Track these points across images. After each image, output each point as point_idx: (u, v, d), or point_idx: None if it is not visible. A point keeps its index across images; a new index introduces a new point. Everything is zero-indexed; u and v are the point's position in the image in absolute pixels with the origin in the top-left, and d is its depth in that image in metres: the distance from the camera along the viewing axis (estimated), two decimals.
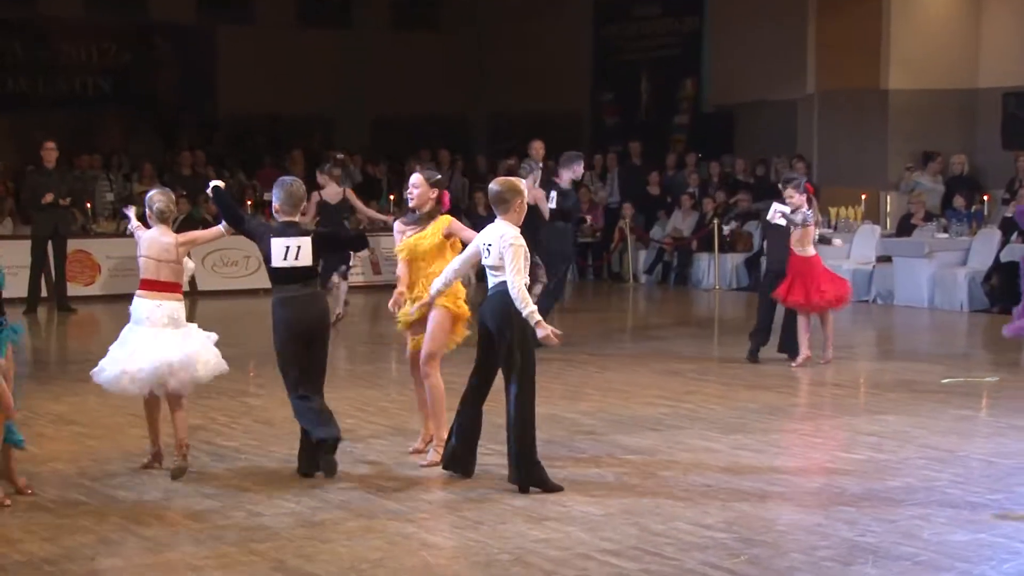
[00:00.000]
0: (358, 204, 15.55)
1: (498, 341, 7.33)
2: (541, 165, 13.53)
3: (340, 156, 21.80)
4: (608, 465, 7.92)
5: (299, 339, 7.52)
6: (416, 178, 7.93)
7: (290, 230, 7.58)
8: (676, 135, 22.98)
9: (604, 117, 24.27)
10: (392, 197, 21.02)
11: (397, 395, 10.53)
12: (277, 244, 7.53)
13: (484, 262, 7.42)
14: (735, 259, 19.45)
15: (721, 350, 13.15)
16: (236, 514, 6.83)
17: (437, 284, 7.72)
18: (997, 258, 16.33)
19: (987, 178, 18.83)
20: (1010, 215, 17.20)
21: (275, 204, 7.69)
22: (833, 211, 18.71)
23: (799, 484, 7.49)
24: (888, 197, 19.12)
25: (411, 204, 7.91)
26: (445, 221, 7.93)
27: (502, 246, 7.27)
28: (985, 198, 17.88)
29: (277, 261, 7.53)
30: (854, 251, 18.24)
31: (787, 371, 11.63)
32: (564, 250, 13.50)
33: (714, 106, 22.42)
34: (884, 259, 17.64)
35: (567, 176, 13.34)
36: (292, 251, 7.51)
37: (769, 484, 7.45)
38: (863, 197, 18.77)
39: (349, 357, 12.79)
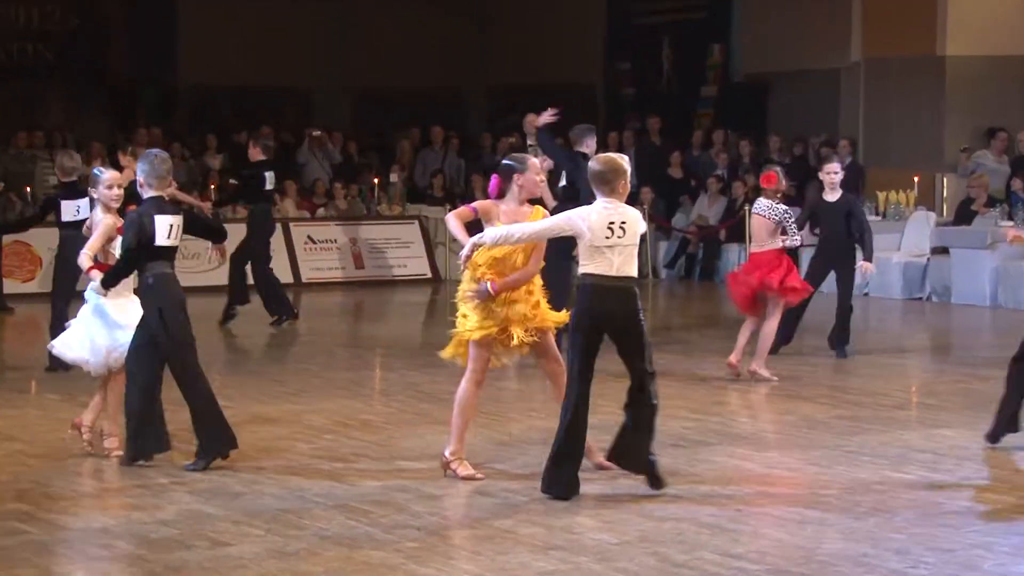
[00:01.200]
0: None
1: (621, 339, 7.62)
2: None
3: (317, 134, 21.89)
4: (624, 486, 7.90)
5: (187, 318, 8.29)
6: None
7: (167, 207, 8.30)
8: (702, 110, 22.96)
9: (620, 89, 24.26)
10: (377, 180, 21.02)
11: (382, 406, 10.52)
12: (162, 222, 8.18)
13: (604, 243, 7.54)
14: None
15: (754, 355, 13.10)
16: (198, 544, 6.82)
17: (498, 233, 7.75)
18: None
19: None
20: None
21: (140, 178, 8.30)
22: (881, 196, 18.69)
23: (843, 508, 7.47)
24: (945, 180, 19.10)
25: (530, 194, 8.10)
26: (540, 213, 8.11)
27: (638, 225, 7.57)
28: None
29: (162, 240, 8.19)
30: (905, 242, 18.22)
31: (829, 379, 11.61)
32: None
33: (746, 76, 22.39)
34: (940, 251, 17.63)
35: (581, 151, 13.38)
36: (175, 229, 8.26)
37: (808, 508, 7.43)
38: (916, 180, 18.75)
39: (327, 363, 12.79)
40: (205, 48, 24.06)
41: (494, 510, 7.39)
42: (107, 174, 8.73)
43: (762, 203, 11.50)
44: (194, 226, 8.68)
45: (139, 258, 8.23)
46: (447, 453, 8.13)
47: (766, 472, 8.28)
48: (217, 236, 9.01)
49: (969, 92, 19.11)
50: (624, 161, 7.71)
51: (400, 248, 20.16)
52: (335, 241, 19.84)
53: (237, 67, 23.89)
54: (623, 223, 7.61)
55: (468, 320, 8.12)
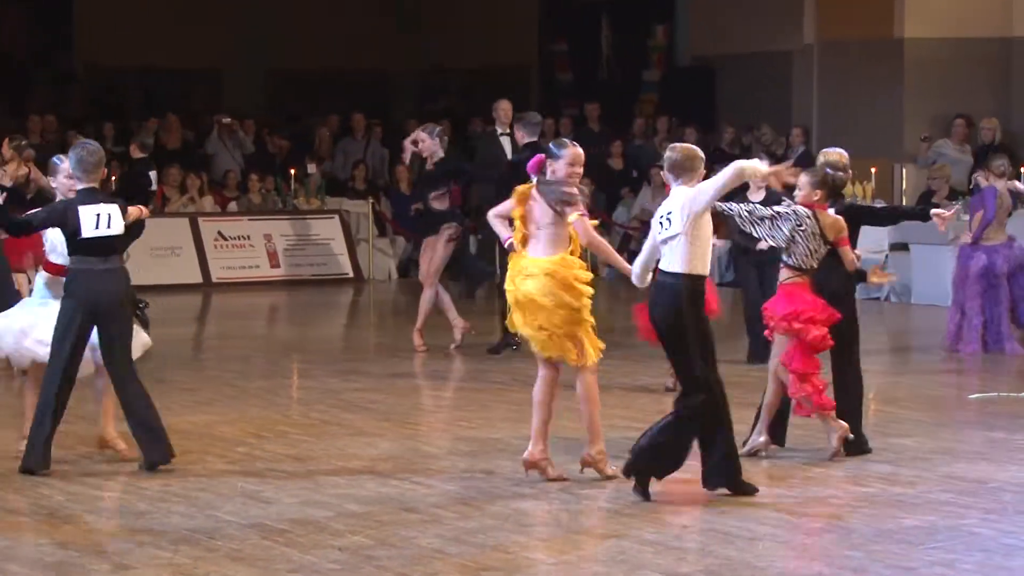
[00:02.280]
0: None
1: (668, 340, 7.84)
2: (508, 131, 13.87)
3: (227, 121, 21.76)
4: (561, 501, 7.92)
5: (87, 317, 8.39)
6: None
7: (99, 197, 8.47)
8: (644, 95, 23.06)
9: (555, 73, 24.33)
10: (293, 171, 20.92)
11: (300, 416, 10.49)
12: (87, 212, 8.33)
13: (658, 238, 7.82)
14: (716, 248, 19.54)
15: None
16: (97, 568, 6.77)
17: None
18: None
19: None
20: None
21: (69, 171, 8.58)
22: None
23: (796, 524, 7.53)
24: (904, 171, 19.27)
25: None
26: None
27: (692, 203, 7.69)
28: (1023, 171, 18.07)
29: (88, 231, 8.35)
30: (862, 238, 18.25)
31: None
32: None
33: (691, 59, 22.53)
34: (899, 247, 17.78)
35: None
36: (107, 219, 8.38)
37: (759, 523, 7.48)
38: (873, 171, 18.90)
39: (241, 371, 12.73)
40: (104, 25, 23.86)
41: (422, 527, 7.39)
42: (66, 163, 8.70)
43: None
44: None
45: (70, 249, 8.47)
46: (594, 452, 8.35)
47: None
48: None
49: (929, 76, 19.30)
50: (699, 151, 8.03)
51: (319, 245, 20.10)
52: (248, 238, 19.75)
53: (140, 46, 23.70)
54: (668, 213, 7.81)
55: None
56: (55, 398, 8.44)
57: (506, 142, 14.67)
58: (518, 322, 8.28)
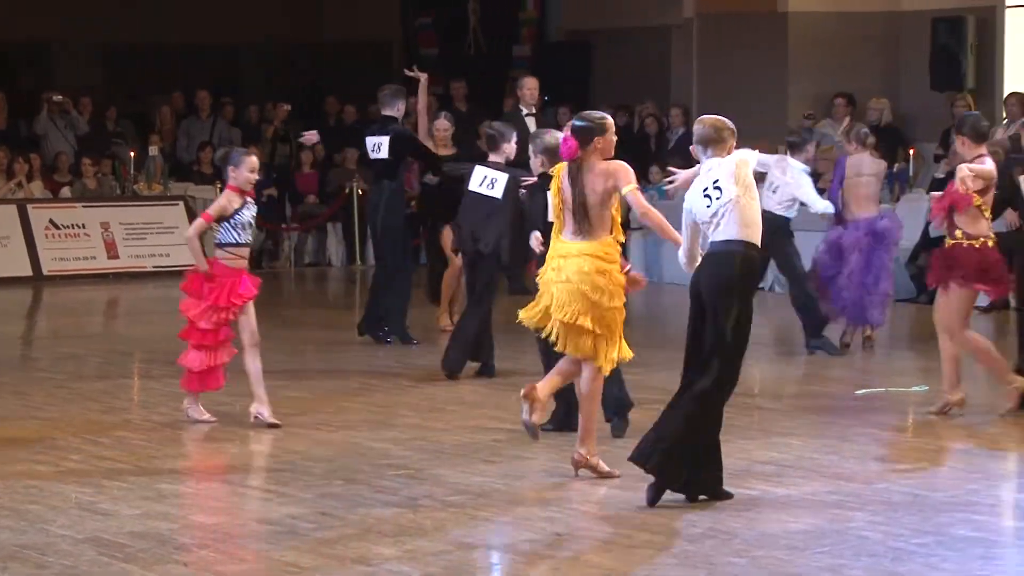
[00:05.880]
0: None
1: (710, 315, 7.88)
2: (534, 111, 14.09)
3: (57, 99, 21.43)
4: (428, 509, 7.94)
5: None
6: None
7: None
8: (515, 71, 23.10)
9: (420, 48, 24.28)
10: (132, 153, 20.68)
11: (142, 420, 10.40)
12: None
13: (704, 214, 7.91)
14: None
15: None
16: None
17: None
18: (926, 232, 16.79)
19: (914, 128, 19.37)
20: (943, 176, 17.77)
21: None
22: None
23: (676, 530, 7.61)
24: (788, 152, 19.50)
25: None
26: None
27: (743, 166, 7.90)
28: (911, 153, 18.40)
29: None
30: None
31: (661, 383, 11.80)
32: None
33: (565, 34, 22.62)
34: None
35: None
36: None
37: (638, 530, 7.56)
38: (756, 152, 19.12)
39: (76, 371, 12.57)
40: None
41: (275, 539, 7.37)
42: None
43: None
44: None
45: None
46: (584, 452, 8.52)
47: (591, 490, 8.39)
48: None
49: (815, 53, 19.53)
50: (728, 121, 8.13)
51: (162, 234, 19.88)
52: (83, 226, 19.48)
53: None
54: (715, 182, 7.89)
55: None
56: None
57: (531, 123, 14.64)
58: (539, 312, 8.43)
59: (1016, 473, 9.25)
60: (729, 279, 7.88)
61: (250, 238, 10.29)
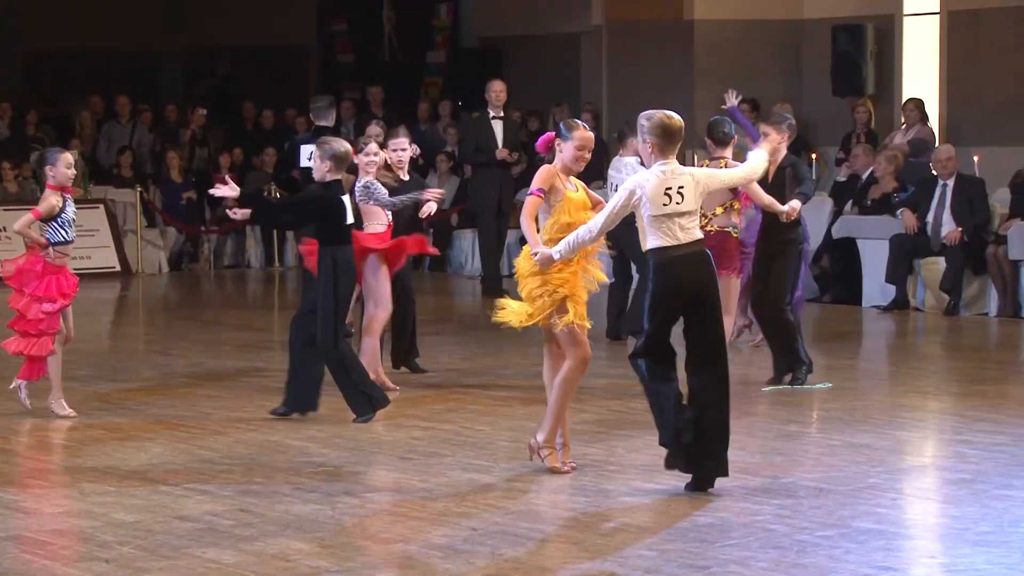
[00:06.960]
0: None
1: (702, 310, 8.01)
2: (501, 114, 13.74)
3: None
4: (345, 507, 7.93)
5: None
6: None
7: None
8: (429, 78, 23.12)
9: (336, 54, 24.23)
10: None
11: (64, 421, 10.30)
12: None
13: (659, 212, 7.91)
14: (513, 236, 19.65)
15: (495, 356, 13.28)
16: None
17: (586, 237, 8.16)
18: (828, 233, 16.98)
19: (816, 132, 19.57)
20: (844, 179, 17.95)
21: None
22: None
23: (588, 523, 7.65)
24: (696, 156, 19.63)
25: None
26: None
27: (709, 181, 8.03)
28: (813, 157, 18.57)
29: None
30: None
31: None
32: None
33: (478, 40, 22.64)
34: None
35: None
36: None
37: (550, 524, 7.59)
38: None
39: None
40: None
41: (196, 536, 7.33)
42: None
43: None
44: None
45: None
46: (541, 439, 8.56)
47: (504, 486, 8.41)
48: None
49: (721, 60, 19.66)
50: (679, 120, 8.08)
51: (83, 237, 19.60)
52: (3, 230, 19.26)
53: None
54: (680, 188, 7.93)
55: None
56: None
57: (498, 126, 14.49)
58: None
59: (916, 467, 9.35)
60: (715, 276, 8.16)
61: (74, 235, 10.30)
